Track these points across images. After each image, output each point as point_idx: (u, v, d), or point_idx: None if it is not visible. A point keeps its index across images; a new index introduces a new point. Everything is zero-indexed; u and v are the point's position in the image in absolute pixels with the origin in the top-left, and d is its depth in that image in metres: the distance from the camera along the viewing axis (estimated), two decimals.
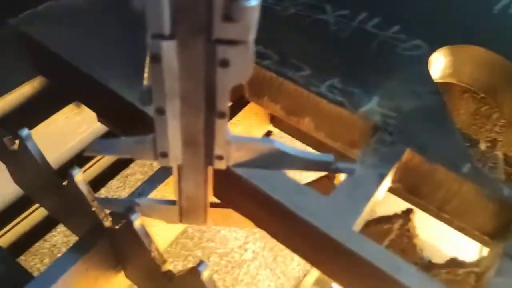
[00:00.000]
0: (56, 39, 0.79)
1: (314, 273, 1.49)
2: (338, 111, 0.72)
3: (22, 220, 1.10)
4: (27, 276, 0.82)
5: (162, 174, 0.83)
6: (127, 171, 1.40)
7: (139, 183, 1.54)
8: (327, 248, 0.57)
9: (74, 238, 1.35)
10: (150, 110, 0.68)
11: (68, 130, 1.08)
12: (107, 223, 0.74)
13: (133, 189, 1.52)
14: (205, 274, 0.63)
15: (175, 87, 0.52)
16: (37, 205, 1.12)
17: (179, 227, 1.02)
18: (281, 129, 1.06)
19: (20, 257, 1.13)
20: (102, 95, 0.73)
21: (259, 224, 0.66)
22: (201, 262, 0.63)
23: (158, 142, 0.57)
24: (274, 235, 0.65)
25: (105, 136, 1.17)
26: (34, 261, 1.17)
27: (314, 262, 0.63)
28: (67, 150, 1.13)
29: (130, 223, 0.67)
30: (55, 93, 0.99)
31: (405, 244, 0.73)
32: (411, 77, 0.80)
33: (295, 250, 0.63)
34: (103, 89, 0.71)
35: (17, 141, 0.84)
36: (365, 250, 0.55)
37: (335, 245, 0.56)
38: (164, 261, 0.70)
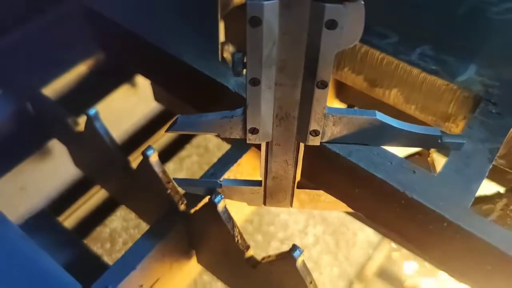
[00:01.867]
0: (122, 11, 0.75)
1: (377, 258, 1.44)
2: (433, 81, 0.66)
3: (81, 204, 1.10)
4: (99, 261, 0.80)
5: (233, 154, 0.79)
6: (182, 153, 1.38)
7: (195, 165, 1.53)
8: (440, 231, 0.52)
9: (133, 223, 1.35)
10: (231, 84, 0.64)
11: (124, 111, 1.05)
12: (182, 206, 0.71)
13: (190, 171, 1.50)
14: (299, 261, 0.60)
15: (273, 54, 0.47)
16: (95, 189, 1.11)
17: (249, 210, 0.98)
18: (350, 105, 1.01)
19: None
20: (173, 69, 0.69)
21: (354, 205, 0.61)
22: (295, 247, 0.59)
23: (249, 116, 0.53)
24: (372, 217, 0.60)
25: (162, 116, 1.14)
26: (96, 246, 1.16)
27: (421, 247, 0.58)
28: (124, 131, 1.11)
29: (213, 206, 0.63)
30: (110, 72, 0.97)
31: (508, 226, 0.67)
32: (509, 43, 0.73)
33: (398, 233, 0.58)
34: (174, 62, 0.68)
35: (81, 122, 0.82)
36: (489, 233, 0.50)
37: (451, 227, 0.51)
38: (248, 247, 0.67)
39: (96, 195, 1.11)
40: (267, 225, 1.36)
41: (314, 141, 0.55)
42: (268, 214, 1.38)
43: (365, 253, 1.44)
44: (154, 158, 0.67)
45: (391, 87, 0.70)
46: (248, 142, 0.56)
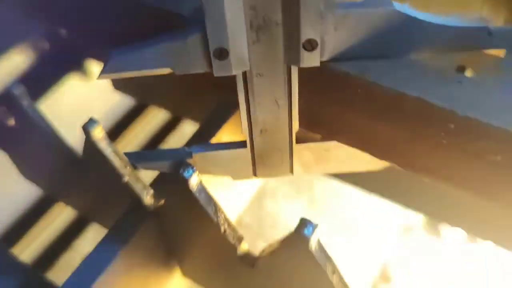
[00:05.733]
0: None
1: (400, 254, 1.27)
2: None
3: (42, 228, 0.91)
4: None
5: (210, 127, 0.62)
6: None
7: None
8: None
9: None
10: (185, 9, 0.47)
11: (78, 106, 0.88)
12: (148, 198, 0.54)
13: None
14: (313, 242, 0.42)
15: None
16: (57, 208, 0.93)
17: (241, 204, 0.81)
18: None
19: (47, 272, 0.94)
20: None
21: (380, 152, 0.44)
22: (304, 222, 0.42)
23: (210, 29, 0.36)
24: (408, 163, 0.43)
25: (127, 111, 0.97)
26: (65, 276, 0.97)
27: (487, 191, 0.40)
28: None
29: (183, 185, 0.46)
30: (54, 59, 0.80)
31: None
32: None
33: (450, 179, 0.41)
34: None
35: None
36: None
37: None
38: (240, 239, 0.50)
39: (59, 217, 0.93)
40: (270, 228, 1.17)
41: (312, 60, 0.39)
42: (268, 216, 1.20)
43: (387, 251, 1.27)
44: (98, 133, 0.50)
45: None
46: (216, 74, 0.39)
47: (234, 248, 0.51)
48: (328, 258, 0.45)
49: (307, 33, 0.37)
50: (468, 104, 0.37)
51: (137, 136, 0.99)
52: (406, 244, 1.25)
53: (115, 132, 0.97)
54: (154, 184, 0.57)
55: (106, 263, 0.52)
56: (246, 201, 0.84)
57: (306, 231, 0.42)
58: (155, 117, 1.00)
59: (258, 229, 1.17)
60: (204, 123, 0.64)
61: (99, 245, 0.54)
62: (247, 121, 0.44)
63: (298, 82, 0.41)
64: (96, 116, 0.93)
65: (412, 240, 1.27)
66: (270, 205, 1.23)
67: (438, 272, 1.18)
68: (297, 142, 0.46)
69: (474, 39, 0.39)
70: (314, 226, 0.42)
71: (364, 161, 0.47)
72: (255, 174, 0.49)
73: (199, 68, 0.39)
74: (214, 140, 0.62)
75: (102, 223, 0.72)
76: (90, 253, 0.54)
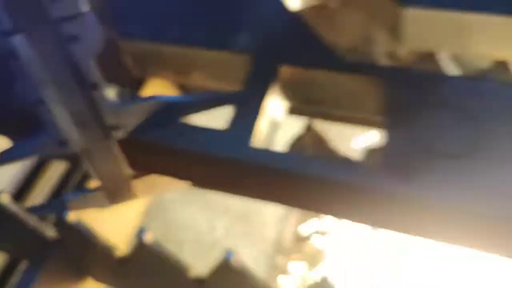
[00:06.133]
0: None
1: (289, 228, 1.57)
2: (216, 55, 0.78)
3: None
4: None
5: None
6: None
7: None
8: (240, 173, 0.65)
9: None
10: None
11: None
12: (51, 233, 0.80)
13: None
14: (147, 238, 0.70)
15: (42, 75, 0.58)
16: None
17: (136, 214, 1.06)
18: None
19: None
20: None
21: (183, 178, 0.72)
22: (140, 229, 0.69)
23: (51, 132, 0.63)
24: (199, 183, 0.72)
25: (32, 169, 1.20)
26: None
27: (239, 192, 0.70)
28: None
29: (64, 221, 0.72)
30: None
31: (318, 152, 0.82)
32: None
33: (221, 189, 0.70)
34: None
35: None
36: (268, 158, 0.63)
37: (237, 165, 0.64)
38: (112, 249, 0.76)
39: None
40: (175, 232, 1.44)
41: (119, 135, 0.66)
42: (172, 223, 1.47)
43: (277, 228, 1.57)
44: (5, 199, 0.75)
45: (191, 71, 0.82)
46: (65, 153, 0.66)
47: (111, 256, 0.78)
48: (162, 248, 0.73)
49: (110, 121, 0.64)
50: (205, 145, 0.65)
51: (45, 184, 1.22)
52: (293, 220, 1.57)
53: (23, 185, 1.19)
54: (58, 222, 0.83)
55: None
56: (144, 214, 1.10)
57: (141, 234, 0.70)
58: (58, 167, 1.24)
59: (165, 236, 1.43)
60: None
61: (23, 276, 0.79)
62: (96, 174, 0.71)
63: (122, 146, 0.68)
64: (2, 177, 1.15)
65: (298, 216, 1.58)
66: (172, 213, 1.50)
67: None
68: (134, 178, 0.74)
69: (213, 101, 0.68)
70: (145, 230, 0.70)
71: (177, 182, 0.76)
72: (112, 203, 0.76)
73: (54, 152, 0.66)
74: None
75: (25, 258, 0.97)
76: (17, 283, 0.78)
